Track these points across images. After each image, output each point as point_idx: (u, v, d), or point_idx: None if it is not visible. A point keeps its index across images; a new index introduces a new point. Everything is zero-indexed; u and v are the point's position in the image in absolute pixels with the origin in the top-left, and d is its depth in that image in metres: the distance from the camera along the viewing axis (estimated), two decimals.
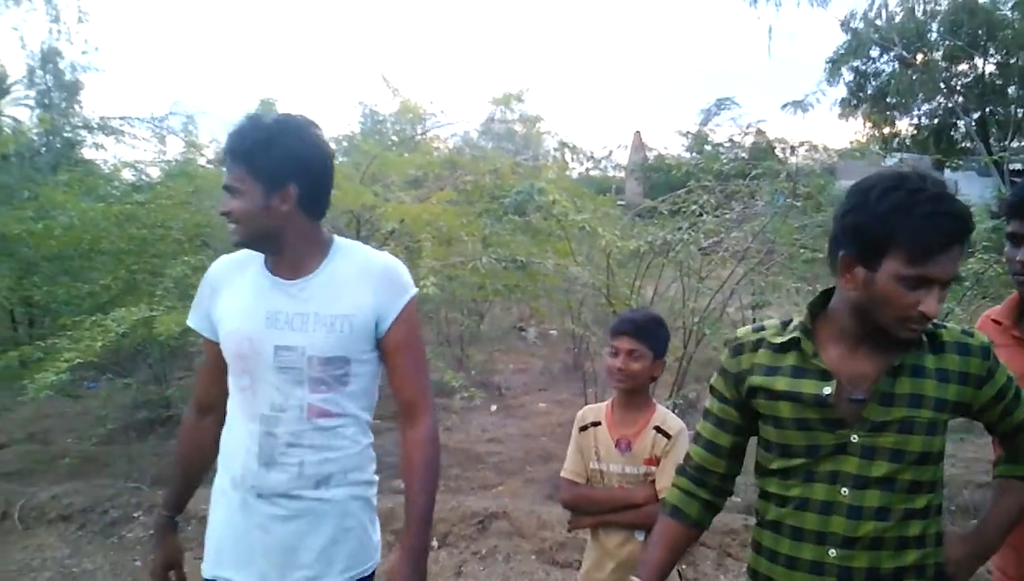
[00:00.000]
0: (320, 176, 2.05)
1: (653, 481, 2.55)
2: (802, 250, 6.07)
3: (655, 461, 2.56)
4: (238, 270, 2.10)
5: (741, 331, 1.91)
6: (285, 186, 1.94)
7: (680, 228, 5.96)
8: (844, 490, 1.69)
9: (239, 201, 1.94)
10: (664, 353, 2.67)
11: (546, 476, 6.13)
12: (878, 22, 21.36)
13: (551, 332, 10.66)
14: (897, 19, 21.08)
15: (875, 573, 1.68)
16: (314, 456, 2.03)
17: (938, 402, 1.67)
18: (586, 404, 3.20)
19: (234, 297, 2.06)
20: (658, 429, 2.57)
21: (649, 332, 2.61)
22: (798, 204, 6.28)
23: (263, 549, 2.04)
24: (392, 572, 2.11)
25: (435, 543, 4.77)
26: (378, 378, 2.18)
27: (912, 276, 1.57)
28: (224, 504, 2.09)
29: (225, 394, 2.12)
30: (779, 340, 1.80)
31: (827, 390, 1.70)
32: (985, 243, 5.41)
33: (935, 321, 1.70)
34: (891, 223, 1.56)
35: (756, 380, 1.81)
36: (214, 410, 2.19)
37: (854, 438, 1.68)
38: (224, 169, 1.98)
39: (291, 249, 2.01)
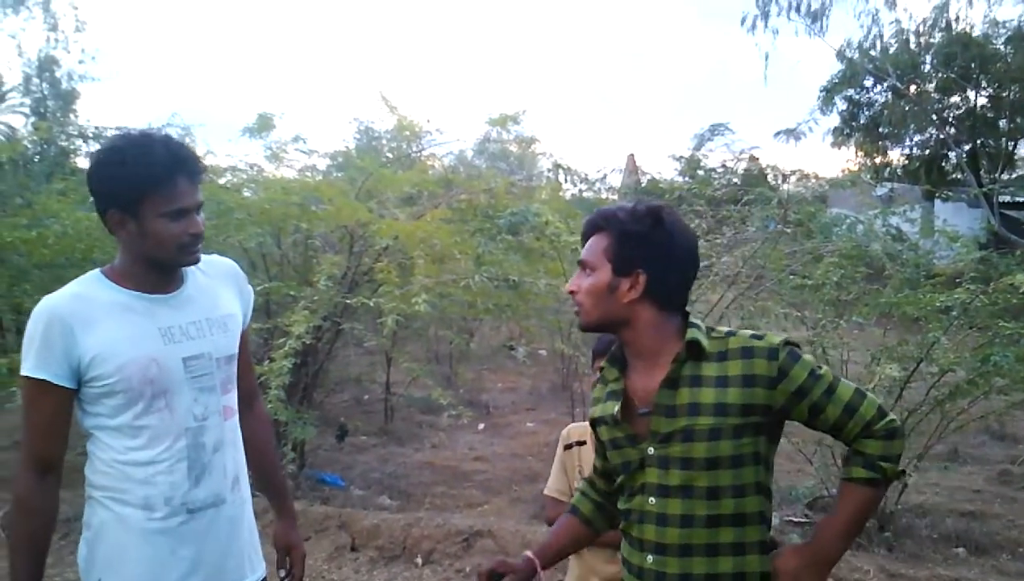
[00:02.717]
0: None
1: None
2: (791, 276, 6.11)
3: None
4: (85, 303, 1.95)
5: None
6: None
7: None
8: (651, 500, 1.78)
9: None
10: None
11: (532, 495, 6.13)
12: (873, 52, 21.55)
13: (540, 352, 10.67)
14: (892, 50, 21.26)
15: (687, 578, 1.74)
16: (232, 456, 2.12)
17: (718, 407, 1.71)
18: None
19: (108, 328, 1.93)
20: None
21: None
22: (788, 230, 6.32)
23: (196, 565, 2.03)
24: (288, 540, 2.37)
25: (419, 560, 4.76)
26: None
27: None
28: (139, 539, 1.99)
29: (65, 449, 2.00)
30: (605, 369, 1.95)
31: (616, 408, 1.83)
32: (972, 274, 5.44)
33: (726, 329, 1.81)
34: None
35: (589, 412, 2.00)
36: (55, 468, 1.99)
37: (650, 451, 1.78)
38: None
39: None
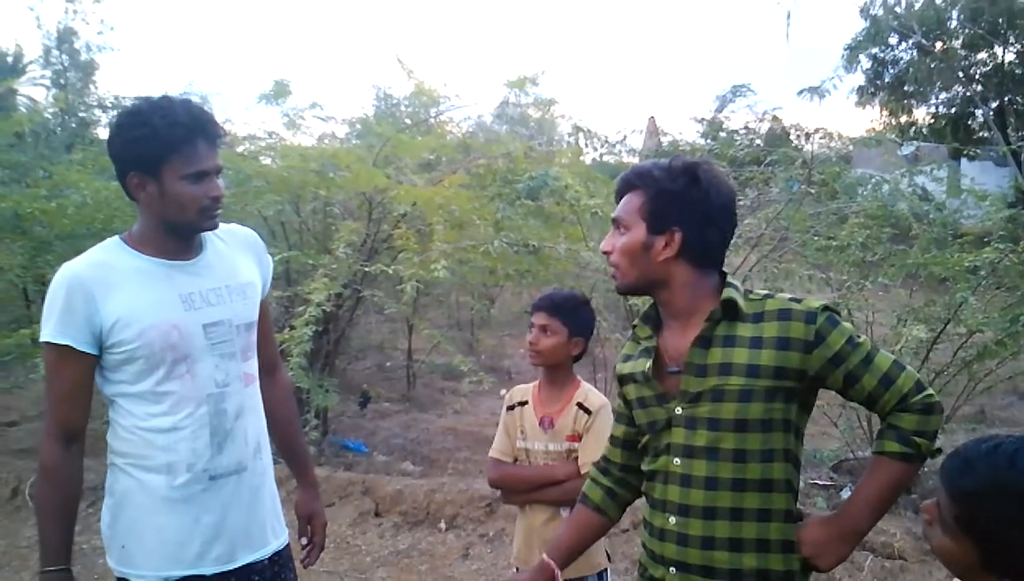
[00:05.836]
0: None
1: (576, 457, 2.56)
2: (816, 237, 6.03)
3: (577, 437, 2.57)
4: (105, 269, 1.96)
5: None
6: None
7: None
8: (676, 460, 1.76)
9: None
10: (584, 333, 2.65)
11: None
12: (897, 9, 21.13)
13: None
14: (917, 6, 20.83)
15: (710, 541, 1.71)
16: (253, 423, 2.12)
17: (750, 368, 1.67)
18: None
19: (129, 293, 1.94)
20: (580, 406, 2.59)
21: (565, 310, 2.60)
22: (812, 191, 6.23)
23: (218, 532, 2.03)
24: (310, 509, 2.39)
25: (443, 525, 4.79)
26: None
27: None
28: (162, 507, 1.99)
29: (88, 416, 2.00)
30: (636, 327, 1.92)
31: (647, 365, 1.79)
32: (1001, 233, 5.35)
33: (764, 292, 1.77)
34: None
35: (617, 368, 1.96)
36: (79, 437, 2.00)
37: (678, 410, 1.75)
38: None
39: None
